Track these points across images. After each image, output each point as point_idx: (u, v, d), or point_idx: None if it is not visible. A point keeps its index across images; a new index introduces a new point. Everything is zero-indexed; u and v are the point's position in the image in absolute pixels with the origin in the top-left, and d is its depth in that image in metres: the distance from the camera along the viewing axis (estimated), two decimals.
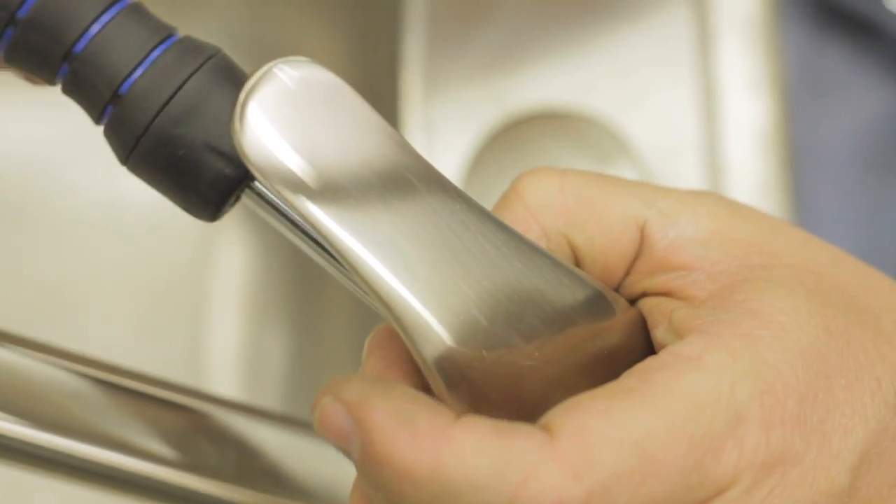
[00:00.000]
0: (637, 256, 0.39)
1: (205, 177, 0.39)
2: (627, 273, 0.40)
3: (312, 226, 0.37)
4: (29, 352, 0.44)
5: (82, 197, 0.75)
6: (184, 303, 0.74)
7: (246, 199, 0.40)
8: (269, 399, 0.73)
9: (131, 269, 0.75)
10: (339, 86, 0.38)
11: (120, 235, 0.75)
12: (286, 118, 0.37)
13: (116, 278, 0.75)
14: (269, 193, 0.39)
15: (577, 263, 0.40)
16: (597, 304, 0.39)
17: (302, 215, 0.37)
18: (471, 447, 0.34)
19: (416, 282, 0.37)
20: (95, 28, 0.39)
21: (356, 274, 0.37)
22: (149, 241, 0.75)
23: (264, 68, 0.38)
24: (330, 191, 0.37)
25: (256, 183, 0.39)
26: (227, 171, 0.39)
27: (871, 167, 0.71)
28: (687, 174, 0.64)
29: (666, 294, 0.39)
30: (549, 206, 0.39)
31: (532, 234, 0.39)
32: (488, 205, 0.39)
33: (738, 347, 0.36)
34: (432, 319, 0.37)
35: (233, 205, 0.40)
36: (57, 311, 0.74)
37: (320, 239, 0.38)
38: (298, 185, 0.37)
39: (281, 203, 0.39)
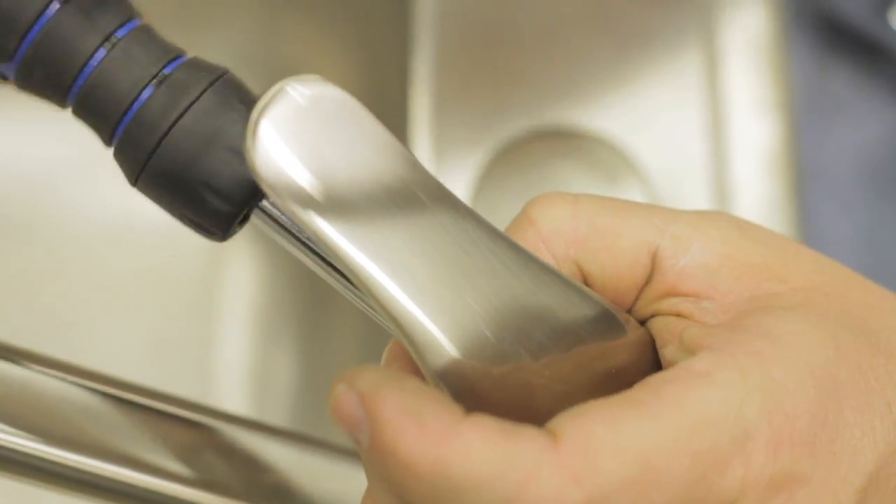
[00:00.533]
0: (648, 282, 0.40)
1: (212, 198, 0.39)
2: (637, 298, 0.40)
3: (322, 243, 0.37)
4: (39, 367, 0.44)
5: (90, 215, 0.76)
6: (192, 319, 0.74)
7: (255, 219, 0.40)
8: (277, 414, 0.73)
9: (140, 287, 0.75)
10: (350, 103, 0.38)
11: (128, 253, 0.75)
12: (298, 136, 0.37)
13: (125, 296, 0.75)
14: (276, 212, 0.39)
15: None
16: (606, 323, 0.39)
17: (312, 232, 0.37)
18: (476, 445, 0.34)
19: (425, 298, 0.37)
20: (103, 52, 0.39)
21: (365, 290, 0.37)
22: (157, 258, 0.75)
23: (276, 87, 0.38)
24: (340, 208, 0.37)
25: (265, 202, 0.40)
26: (235, 186, 0.39)
27: (876, 187, 0.71)
28: (694, 194, 0.64)
29: (676, 315, 0.39)
30: (560, 232, 0.39)
31: None
32: (496, 221, 0.39)
33: (748, 365, 0.36)
34: (440, 335, 0.37)
35: (242, 224, 0.40)
36: (66, 327, 0.74)
37: (329, 256, 0.38)
38: (309, 203, 0.37)
39: (289, 221, 0.39)
